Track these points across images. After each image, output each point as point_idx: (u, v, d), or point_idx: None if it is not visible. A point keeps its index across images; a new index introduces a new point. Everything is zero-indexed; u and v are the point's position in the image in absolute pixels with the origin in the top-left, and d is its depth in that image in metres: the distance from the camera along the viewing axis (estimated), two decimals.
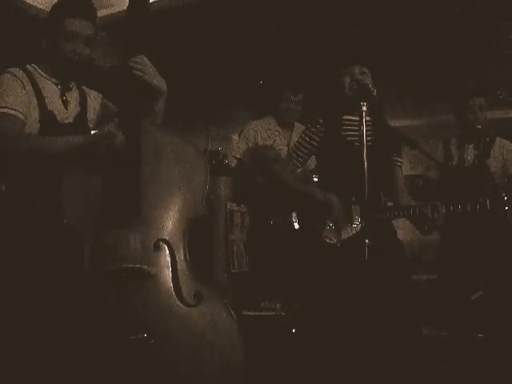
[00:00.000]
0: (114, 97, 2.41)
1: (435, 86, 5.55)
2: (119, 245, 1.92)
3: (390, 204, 2.70)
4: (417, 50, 4.87)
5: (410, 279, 2.72)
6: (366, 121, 2.47)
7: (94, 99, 2.39)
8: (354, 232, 2.56)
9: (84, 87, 2.39)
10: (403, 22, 4.45)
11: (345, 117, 2.69)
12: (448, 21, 4.45)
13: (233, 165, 4.00)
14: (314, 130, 2.74)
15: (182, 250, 2.00)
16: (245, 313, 3.30)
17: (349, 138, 2.63)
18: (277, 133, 4.00)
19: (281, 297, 3.41)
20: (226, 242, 3.40)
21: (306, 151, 2.77)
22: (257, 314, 3.35)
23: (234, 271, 3.38)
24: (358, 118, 2.45)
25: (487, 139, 3.43)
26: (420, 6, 4.22)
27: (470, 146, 3.45)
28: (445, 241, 3.40)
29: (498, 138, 3.49)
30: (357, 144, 2.40)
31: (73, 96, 2.31)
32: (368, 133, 2.62)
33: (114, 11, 4.26)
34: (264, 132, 3.98)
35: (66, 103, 2.26)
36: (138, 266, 1.91)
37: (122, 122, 2.02)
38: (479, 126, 3.40)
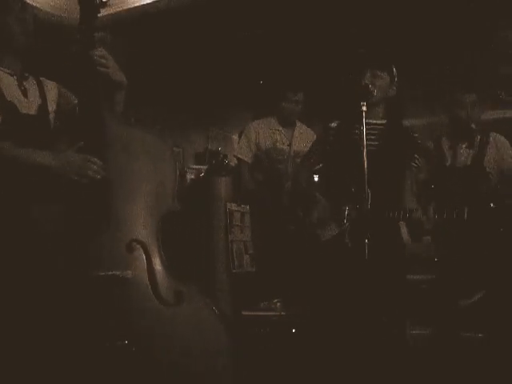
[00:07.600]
0: (71, 87, 2.31)
1: (434, 86, 5.56)
2: (92, 250, 1.84)
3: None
4: (415, 50, 4.87)
5: (405, 278, 2.73)
6: (381, 124, 2.48)
7: (52, 90, 2.29)
8: (336, 232, 2.59)
9: (41, 78, 2.28)
10: (402, 21, 4.46)
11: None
12: (447, 20, 4.45)
13: (233, 165, 3.99)
14: (327, 133, 2.83)
15: (156, 249, 1.93)
16: (245, 313, 3.30)
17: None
18: (278, 132, 3.99)
19: (281, 297, 3.41)
20: (226, 241, 3.39)
21: (319, 153, 2.87)
22: (257, 313, 3.35)
23: (234, 271, 3.37)
24: (374, 121, 2.46)
25: (483, 139, 3.26)
26: (418, 5, 4.23)
27: (463, 146, 3.31)
28: (441, 241, 3.38)
29: (491, 134, 3.32)
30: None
31: (31, 85, 2.21)
32: (381, 135, 2.66)
33: (114, 11, 4.27)
34: (265, 131, 3.97)
35: (25, 92, 2.16)
36: (111, 273, 1.83)
37: (82, 114, 1.99)
38: (473, 126, 3.22)
